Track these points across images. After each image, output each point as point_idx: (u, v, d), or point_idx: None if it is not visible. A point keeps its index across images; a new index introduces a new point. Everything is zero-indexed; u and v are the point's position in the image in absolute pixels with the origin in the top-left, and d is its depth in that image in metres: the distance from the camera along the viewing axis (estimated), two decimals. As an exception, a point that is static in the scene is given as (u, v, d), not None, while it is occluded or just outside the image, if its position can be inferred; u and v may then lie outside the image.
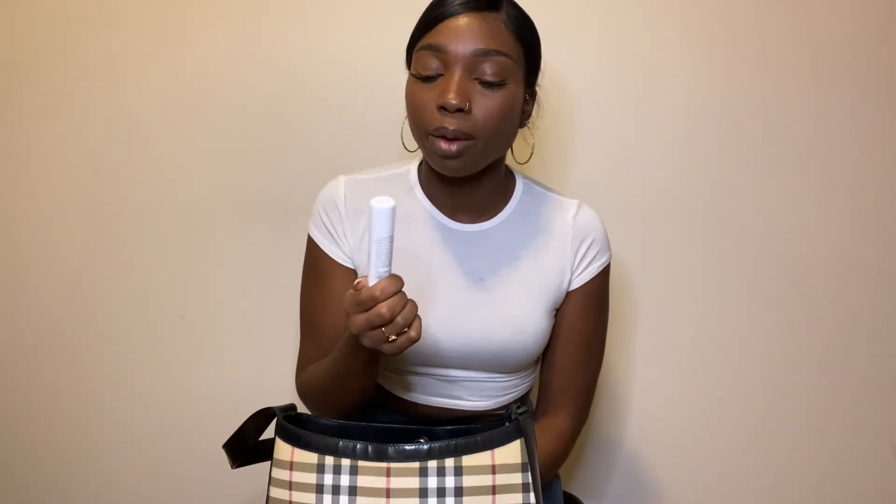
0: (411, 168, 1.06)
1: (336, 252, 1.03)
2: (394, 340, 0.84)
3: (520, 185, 1.06)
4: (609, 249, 1.06)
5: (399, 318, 0.82)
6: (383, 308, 0.81)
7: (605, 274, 1.06)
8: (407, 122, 0.99)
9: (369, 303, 0.82)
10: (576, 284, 1.04)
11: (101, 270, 1.47)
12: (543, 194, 1.07)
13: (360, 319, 0.83)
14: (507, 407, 1.07)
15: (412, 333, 0.84)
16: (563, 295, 1.04)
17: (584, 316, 1.05)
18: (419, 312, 0.85)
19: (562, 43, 1.34)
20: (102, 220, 1.46)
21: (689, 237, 1.39)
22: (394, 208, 0.78)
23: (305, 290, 1.06)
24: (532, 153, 1.06)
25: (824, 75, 1.35)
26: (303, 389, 1.06)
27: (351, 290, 0.84)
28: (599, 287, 1.06)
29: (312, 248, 1.05)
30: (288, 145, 1.41)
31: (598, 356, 1.09)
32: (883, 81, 1.35)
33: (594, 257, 1.04)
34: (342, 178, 1.04)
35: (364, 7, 1.37)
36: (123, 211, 1.45)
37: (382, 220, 0.78)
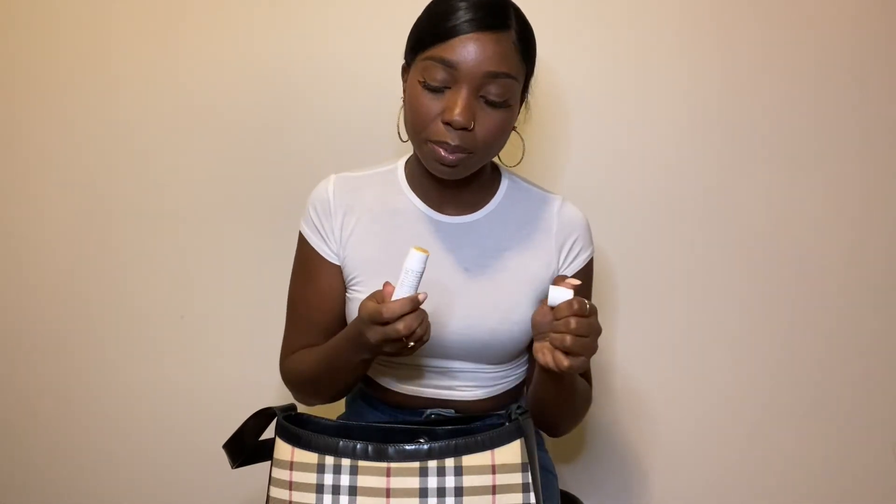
0: (398, 165, 1.10)
1: (324, 248, 1.06)
2: (412, 346, 0.89)
3: (505, 179, 1.10)
4: (592, 243, 1.10)
5: (418, 331, 0.87)
6: (400, 325, 0.86)
7: (589, 265, 1.09)
8: (402, 114, 1.02)
9: (379, 318, 0.86)
10: None
11: (100, 271, 1.47)
12: (528, 189, 1.10)
13: (377, 332, 0.87)
14: (500, 399, 1.09)
15: (425, 338, 0.89)
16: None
17: None
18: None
19: (555, 41, 1.35)
20: (101, 222, 1.46)
21: (683, 236, 1.39)
22: (426, 257, 0.87)
23: (294, 283, 1.10)
24: (522, 157, 1.09)
25: (823, 74, 1.35)
26: (289, 375, 1.09)
27: (370, 302, 0.89)
28: (585, 278, 1.09)
29: (302, 243, 1.08)
30: (286, 146, 1.41)
31: None
32: (884, 80, 1.35)
33: (579, 251, 1.07)
34: (332, 177, 1.08)
35: (357, 9, 1.37)
36: (122, 212, 1.45)
37: (416, 259, 0.87)
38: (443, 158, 0.94)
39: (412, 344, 0.88)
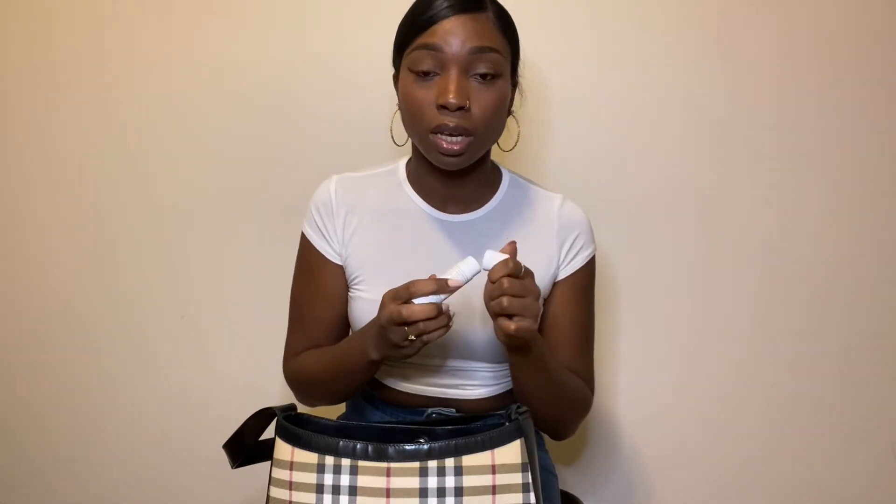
0: (400, 165, 1.10)
1: (326, 248, 1.06)
2: (412, 340, 0.87)
3: (506, 178, 1.10)
4: (594, 241, 1.10)
5: (421, 325, 0.86)
6: (405, 310, 0.86)
7: (591, 264, 1.10)
8: (397, 116, 1.03)
9: (403, 294, 0.86)
10: (563, 275, 1.07)
11: (100, 271, 1.47)
12: (529, 187, 1.11)
13: (389, 311, 0.87)
14: (501, 398, 1.09)
15: (426, 339, 0.88)
16: (550, 284, 1.07)
17: (575, 305, 1.08)
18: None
19: (554, 38, 1.35)
20: (100, 221, 1.46)
21: (684, 235, 1.40)
22: (478, 270, 0.88)
23: (297, 284, 1.10)
24: (517, 140, 1.10)
25: (825, 72, 1.35)
26: (294, 375, 1.09)
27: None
28: (586, 277, 1.09)
29: (304, 244, 1.09)
30: (287, 147, 1.42)
31: (591, 342, 1.12)
32: (887, 79, 1.35)
33: (580, 249, 1.08)
34: (334, 177, 1.08)
35: (356, 8, 1.37)
36: (122, 212, 1.46)
37: (472, 267, 0.87)
38: (447, 149, 0.96)
39: (413, 338, 0.87)
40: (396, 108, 1.04)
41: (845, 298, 1.39)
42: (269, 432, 0.95)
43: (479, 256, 0.88)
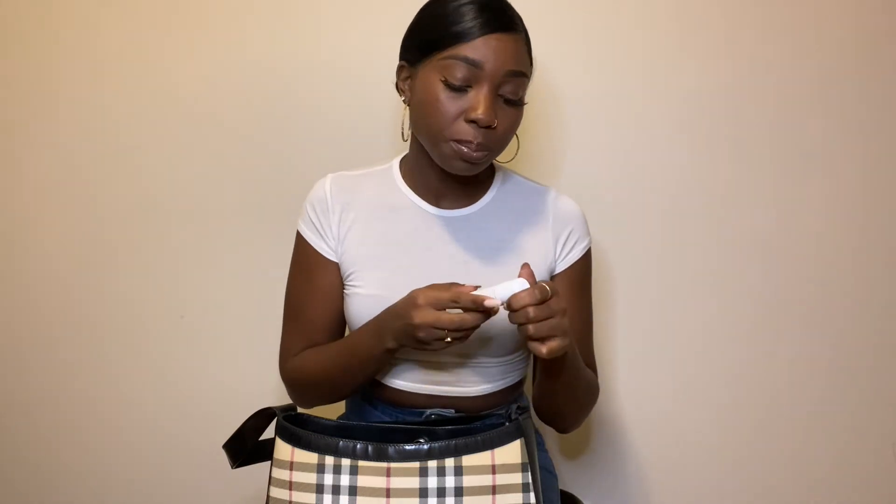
0: (394, 163, 1.11)
1: (322, 246, 1.06)
2: (449, 342, 0.89)
3: (499, 173, 1.12)
4: (588, 233, 1.11)
5: (458, 328, 0.87)
6: (444, 316, 0.87)
7: (587, 256, 1.10)
8: (407, 113, 1.03)
9: (445, 302, 0.88)
10: (560, 268, 1.08)
11: (100, 272, 1.47)
12: (521, 182, 1.12)
13: (428, 316, 0.88)
14: (503, 393, 1.09)
15: (458, 335, 0.89)
16: (548, 278, 1.08)
17: (575, 297, 1.09)
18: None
19: (559, 40, 1.35)
20: (101, 222, 1.46)
21: (684, 233, 1.39)
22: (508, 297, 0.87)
23: (292, 284, 1.10)
24: (517, 151, 1.10)
25: (827, 73, 1.35)
26: (295, 374, 1.08)
27: (444, 287, 0.90)
28: (583, 269, 1.10)
29: (300, 241, 1.09)
30: (285, 147, 1.42)
31: (590, 334, 1.13)
32: (889, 80, 1.35)
33: (576, 242, 1.09)
34: (329, 176, 1.09)
35: (356, 10, 1.37)
36: (122, 212, 1.46)
37: (509, 289, 0.87)
38: (467, 156, 0.96)
39: (449, 339, 0.88)
40: (405, 105, 1.03)
41: (846, 298, 1.39)
42: (269, 432, 0.95)
43: (518, 277, 0.88)
